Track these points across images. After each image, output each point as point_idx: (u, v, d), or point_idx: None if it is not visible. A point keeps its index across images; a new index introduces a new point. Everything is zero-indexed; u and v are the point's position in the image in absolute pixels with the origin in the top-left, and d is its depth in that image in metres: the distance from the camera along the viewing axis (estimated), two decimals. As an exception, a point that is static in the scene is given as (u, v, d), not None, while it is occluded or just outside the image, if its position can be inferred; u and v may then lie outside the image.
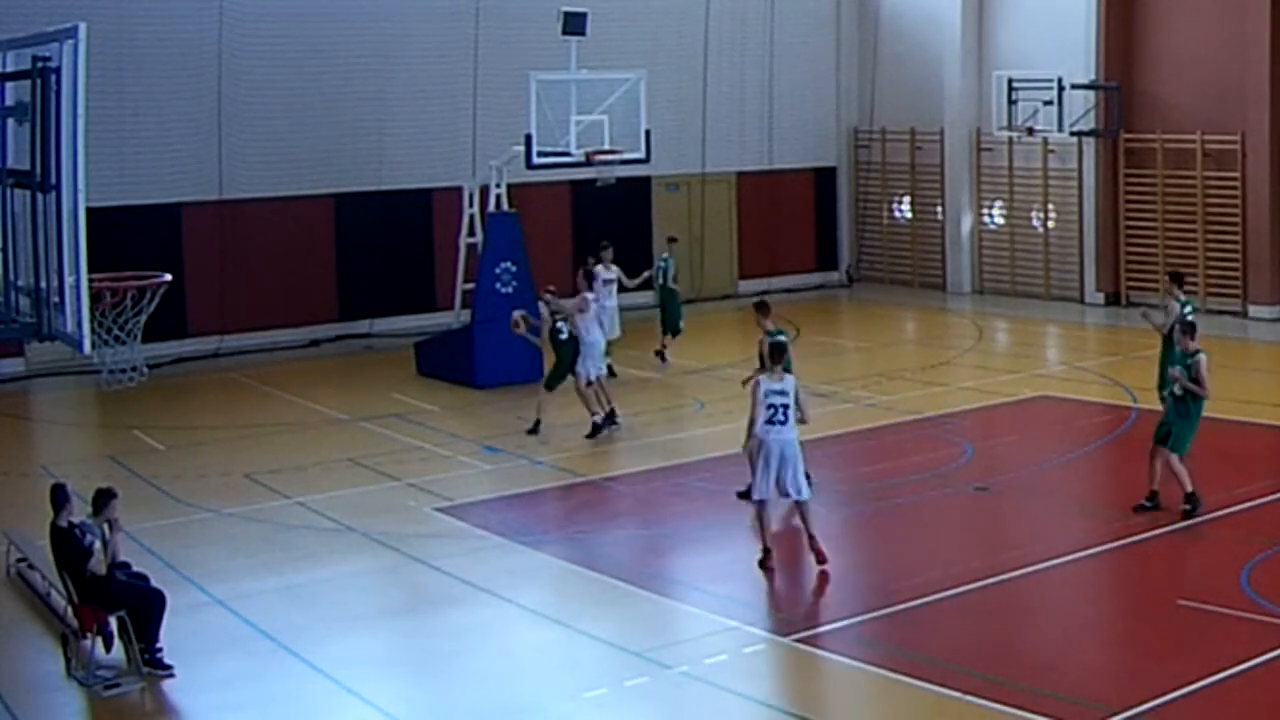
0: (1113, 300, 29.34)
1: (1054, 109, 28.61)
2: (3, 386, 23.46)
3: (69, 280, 9.19)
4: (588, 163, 22.26)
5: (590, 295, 19.76)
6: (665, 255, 25.24)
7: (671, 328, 24.34)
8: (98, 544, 11.69)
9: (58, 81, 8.97)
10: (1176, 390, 15.02)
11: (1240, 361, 22.57)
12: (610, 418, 19.51)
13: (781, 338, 15.48)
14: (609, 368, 21.63)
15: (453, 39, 27.84)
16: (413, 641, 12.84)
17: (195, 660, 11.89)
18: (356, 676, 11.69)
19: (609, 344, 22.03)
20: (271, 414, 21.33)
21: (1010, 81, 29.36)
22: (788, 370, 14.24)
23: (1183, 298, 18.31)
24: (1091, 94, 28.79)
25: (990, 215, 31.68)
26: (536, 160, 21.75)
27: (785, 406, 13.76)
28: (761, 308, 16.72)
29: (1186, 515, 14.81)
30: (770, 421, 13.75)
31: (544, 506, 16.70)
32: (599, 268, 22.59)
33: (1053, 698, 10.67)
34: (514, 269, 22.83)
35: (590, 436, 19.10)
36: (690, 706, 11.20)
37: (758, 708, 11.10)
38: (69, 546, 11.75)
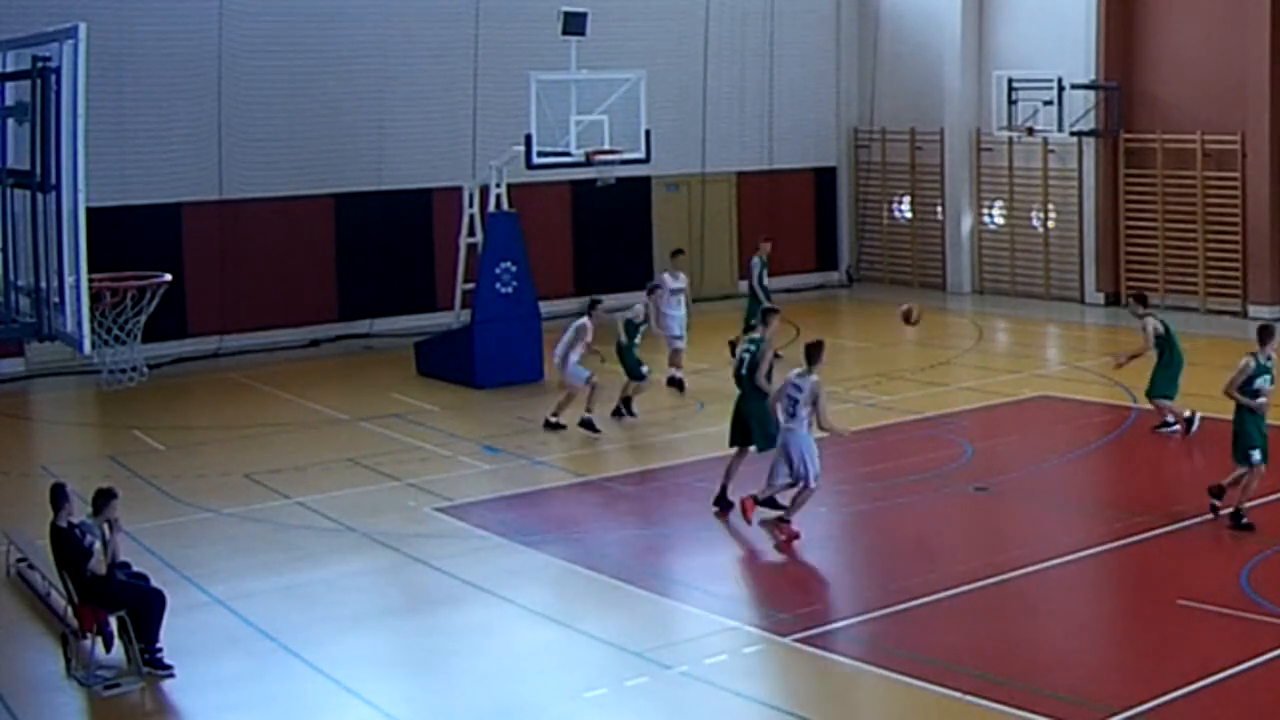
0: (1113, 300, 29.31)
1: (1054, 109, 28.63)
2: (3, 386, 23.44)
3: (69, 280, 9.20)
4: (588, 163, 22.25)
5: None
6: (757, 256, 24.46)
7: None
8: (98, 544, 11.68)
9: (58, 81, 8.97)
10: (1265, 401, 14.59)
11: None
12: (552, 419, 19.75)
13: (750, 348, 15.91)
14: (679, 381, 21.95)
15: (453, 39, 27.82)
16: (413, 641, 12.84)
17: (195, 660, 11.89)
18: (356, 676, 11.69)
19: (679, 352, 22.23)
20: (271, 414, 21.32)
21: (1010, 81, 29.38)
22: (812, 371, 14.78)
23: (1143, 311, 18.77)
24: (1091, 94, 28.79)
25: (990, 215, 31.67)
26: (536, 160, 21.76)
27: (795, 401, 14.41)
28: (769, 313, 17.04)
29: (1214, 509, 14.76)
30: (783, 412, 14.66)
31: (544, 506, 16.69)
32: (666, 275, 22.57)
33: (1053, 698, 10.67)
34: (514, 269, 22.82)
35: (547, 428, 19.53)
36: (690, 706, 11.20)
37: (758, 708, 11.10)
38: (69, 546, 11.74)
